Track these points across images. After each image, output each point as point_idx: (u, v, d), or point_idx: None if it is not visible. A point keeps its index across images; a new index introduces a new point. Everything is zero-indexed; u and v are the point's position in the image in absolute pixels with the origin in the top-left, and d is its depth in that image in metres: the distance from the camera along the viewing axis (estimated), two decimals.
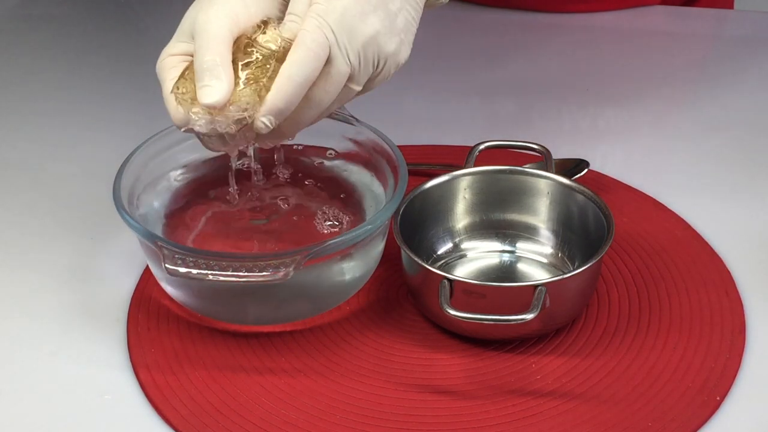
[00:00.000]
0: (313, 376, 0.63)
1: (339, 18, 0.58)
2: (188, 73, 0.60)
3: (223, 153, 0.66)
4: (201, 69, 0.58)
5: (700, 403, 0.60)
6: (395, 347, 0.65)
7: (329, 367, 0.64)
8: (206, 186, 0.73)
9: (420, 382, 0.63)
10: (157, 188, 0.71)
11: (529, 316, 0.59)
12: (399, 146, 0.70)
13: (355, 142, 0.73)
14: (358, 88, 0.62)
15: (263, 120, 0.59)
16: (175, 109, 0.60)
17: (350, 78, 0.60)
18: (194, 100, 0.59)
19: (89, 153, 0.88)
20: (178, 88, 0.60)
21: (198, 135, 0.62)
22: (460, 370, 0.63)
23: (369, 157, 0.72)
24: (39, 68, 1.04)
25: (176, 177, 0.73)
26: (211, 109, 0.58)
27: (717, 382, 0.61)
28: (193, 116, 0.59)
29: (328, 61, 0.59)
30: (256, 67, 0.59)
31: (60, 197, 0.82)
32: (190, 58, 0.61)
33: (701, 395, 0.61)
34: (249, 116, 0.59)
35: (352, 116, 0.73)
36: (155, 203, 0.71)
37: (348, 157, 0.74)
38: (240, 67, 0.59)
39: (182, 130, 0.61)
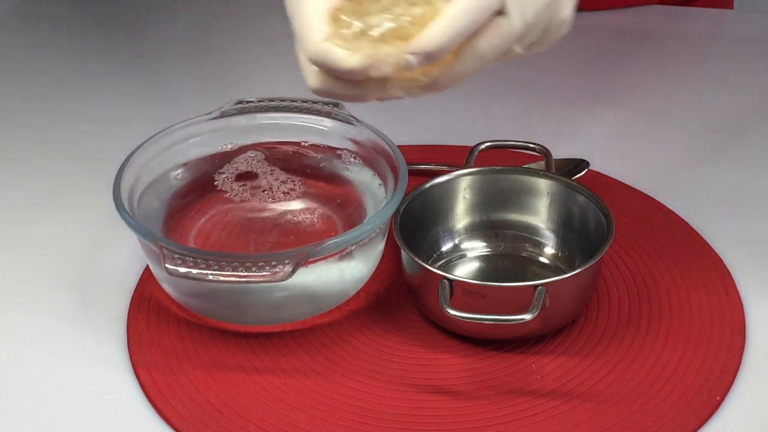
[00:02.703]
0: (313, 376, 0.63)
1: None
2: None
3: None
4: None
5: (699, 403, 0.60)
6: (395, 347, 0.65)
7: (329, 367, 0.64)
8: (206, 185, 0.73)
9: (420, 382, 0.63)
10: (157, 188, 0.71)
11: (529, 316, 0.59)
12: (399, 146, 0.70)
13: (355, 142, 0.73)
14: (520, 51, 0.56)
15: (409, 57, 0.52)
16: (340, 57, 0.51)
17: (518, 38, 0.54)
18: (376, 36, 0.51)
19: (89, 153, 0.88)
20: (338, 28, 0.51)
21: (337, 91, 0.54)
22: (460, 370, 0.63)
23: (369, 157, 0.72)
24: (39, 68, 1.04)
25: (176, 176, 0.73)
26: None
27: (717, 382, 0.62)
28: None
29: (502, 14, 0.53)
30: None
31: (60, 197, 0.82)
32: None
33: (701, 395, 0.61)
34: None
35: (352, 116, 0.73)
36: (155, 203, 0.71)
37: (348, 156, 0.74)
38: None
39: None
